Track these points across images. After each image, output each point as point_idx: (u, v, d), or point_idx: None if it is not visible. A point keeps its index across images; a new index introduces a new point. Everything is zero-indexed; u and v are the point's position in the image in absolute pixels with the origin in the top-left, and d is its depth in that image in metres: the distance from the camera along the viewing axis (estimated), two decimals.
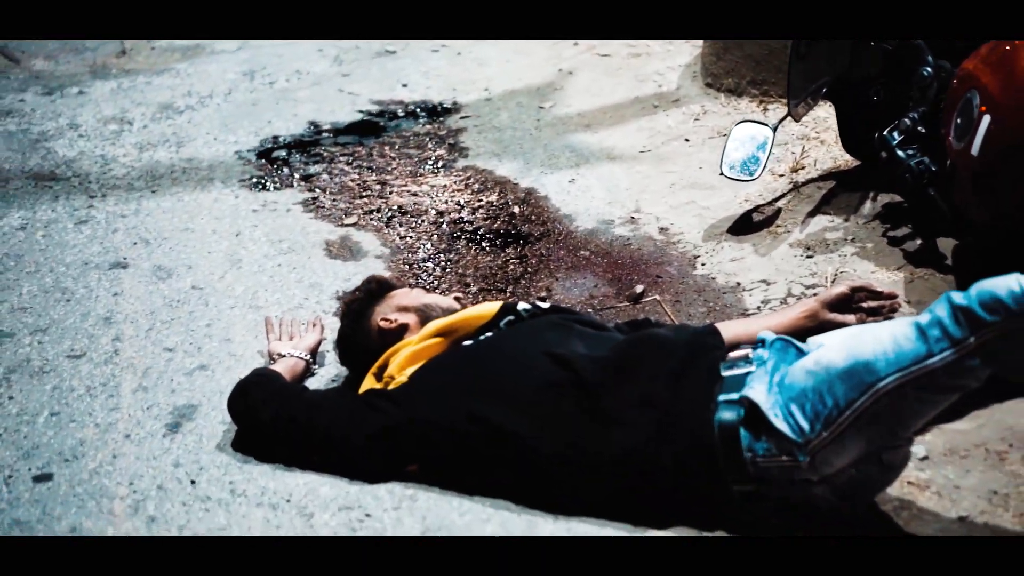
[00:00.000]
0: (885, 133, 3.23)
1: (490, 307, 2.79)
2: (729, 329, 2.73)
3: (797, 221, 3.52)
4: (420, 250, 3.64)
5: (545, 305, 2.84)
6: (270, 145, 4.46)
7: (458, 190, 4.00)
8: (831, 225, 3.44)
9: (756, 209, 3.64)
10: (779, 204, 3.63)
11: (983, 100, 2.84)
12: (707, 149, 3.94)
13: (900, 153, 3.17)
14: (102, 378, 3.03)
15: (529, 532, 2.45)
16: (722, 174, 3.48)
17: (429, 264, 3.55)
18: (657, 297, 3.28)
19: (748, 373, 2.44)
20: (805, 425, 2.25)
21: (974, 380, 2.20)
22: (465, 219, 3.79)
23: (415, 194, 3.99)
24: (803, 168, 3.74)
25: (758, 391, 2.34)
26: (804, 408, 2.26)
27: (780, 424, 2.27)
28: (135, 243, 3.73)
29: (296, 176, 4.18)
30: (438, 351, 2.73)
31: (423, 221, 3.81)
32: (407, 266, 3.57)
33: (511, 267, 3.52)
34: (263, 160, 4.33)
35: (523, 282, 3.45)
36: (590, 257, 3.56)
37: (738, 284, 3.30)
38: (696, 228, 3.62)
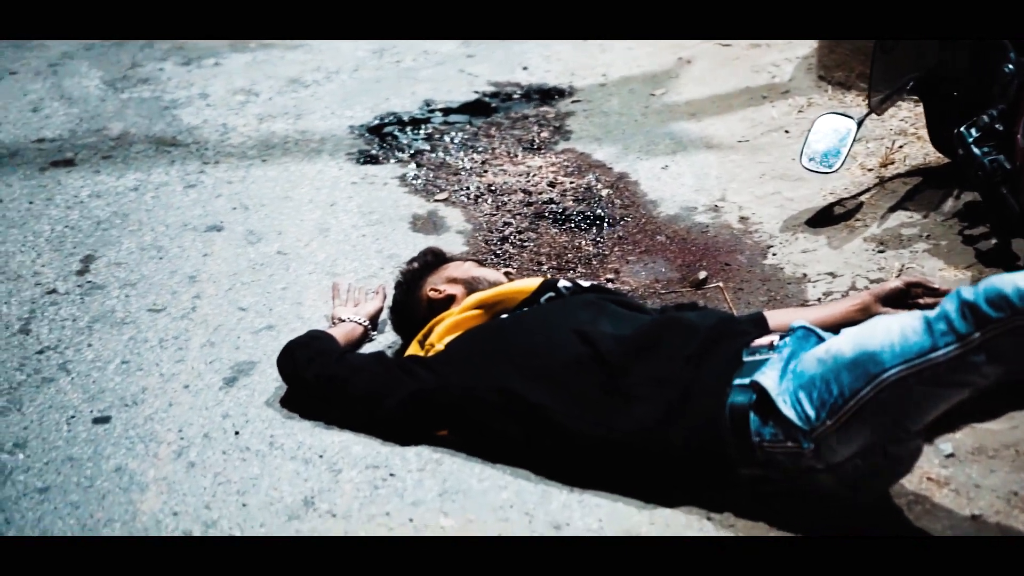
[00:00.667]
0: (962, 129, 3.20)
1: (531, 283, 2.87)
2: (777, 318, 2.77)
3: (877, 216, 3.50)
4: (501, 227, 3.72)
5: (585, 284, 2.90)
6: (382, 121, 4.58)
7: (552, 172, 4.07)
8: (909, 221, 3.42)
9: (839, 202, 3.63)
10: (862, 198, 3.61)
11: None
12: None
13: (975, 150, 3.13)
14: (175, 332, 3.19)
15: (542, 502, 2.52)
16: (802, 165, 3.47)
17: (507, 242, 3.63)
18: (720, 284, 3.30)
19: (767, 360, 2.46)
20: (811, 412, 2.27)
21: (979, 377, 2.20)
22: (552, 200, 3.86)
23: (509, 174, 4.07)
24: (892, 163, 3.71)
25: (769, 377, 2.37)
26: (811, 396, 2.28)
27: (787, 410, 2.30)
28: (234, 208, 3.90)
29: (400, 152, 4.32)
30: (477, 322, 2.82)
31: (511, 200, 3.90)
32: (484, 242, 3.66)
33: (586, 248, 3.58)
34: (373, 135, 4.47)
35: (594, 263, 3.51)
36: (665, 242, 3.60)
37: (804, 275, 3.30)
38: (776, 218, 3.63)
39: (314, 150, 4.34)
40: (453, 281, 3.00)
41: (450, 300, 2.95)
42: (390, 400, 2.69)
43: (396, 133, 4.46)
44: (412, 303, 3.01)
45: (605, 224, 3.72)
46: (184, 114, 4.67)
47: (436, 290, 2.98)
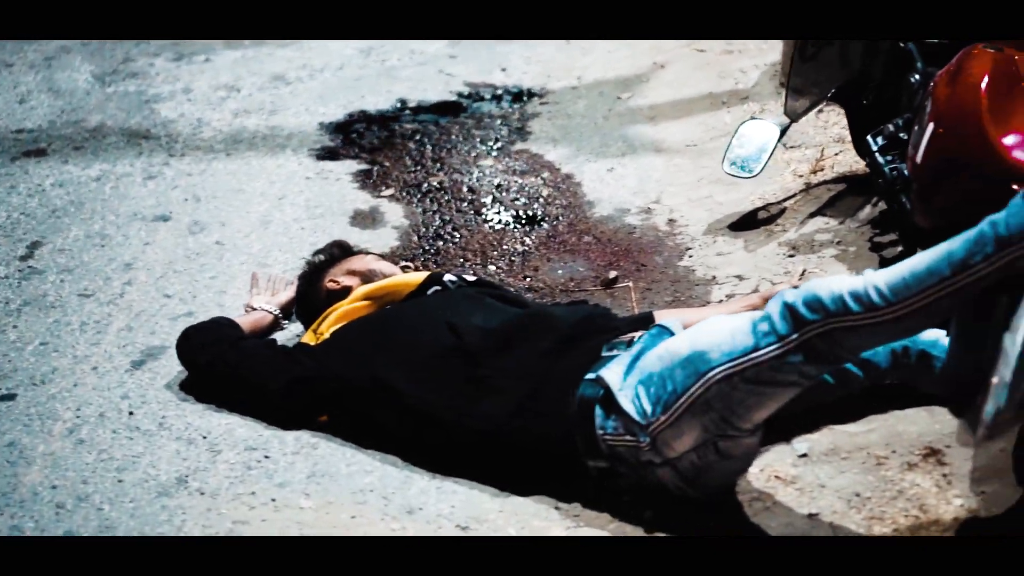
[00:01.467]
0: (869, 137, 3.24)
1: (418, 276, 2.97)
2: (667, 317, 2.83)
3: (796, 221, 3.56)
4: (438, 224, 3.82)
5: (471, 278, 3.00)
6: (351, 118, 4.69)
7: (501, 172, 4.16)
8: (825, 227, 3.47)
9: (764, 207, 3.68)
10: (787, 203, 3.67)
11: (931, 108, 2.85)
12: None
13: (879, 158, 3.18)
14: (99, 316, 3.33)
15: (403, 486, 2.64)
16: (724, 170, 3.53)
17: (439, 239, 3.73)
18: (629, 284, 3.38)
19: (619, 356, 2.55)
20: (648, 408, 2.35)
21: (800, 377, 2.26)
22: (494, 199, 3.95)
23: (459, 172, 4.17)
24: (822, 170, 3.76)
25: (613, 372, 2.45)
26: (649, 391, 2.36)
27: (626, 405, 2.38)
28: (186, 199, 4.04)
29: (359, 149, 4.45)
30: (364, 313, 2.92)
31: (454, 198, 4.00)
32: (417, 238, 3.77)
33: (513, 246, 3.67)
34: (339, 132, 4.59)
35: (516, 261, 3.60)
36: (591, 242, 3.68)
37: (713, 277, 3.37)
38: (703, 222, 3.70)
39: (279, 145, 4.46)
40: (352, 273, 3.11)
41: (347, 291, 3.05)
42: (273, 385, 2.80)
43: (362, 130, 4.57)
44: (313, 293, 3.12)
45: (538, 224, 3.81)
46: (163, 108, 4.81)
47: (335, 281, 3.09)
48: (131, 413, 2.89)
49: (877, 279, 2.17)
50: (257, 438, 2.81)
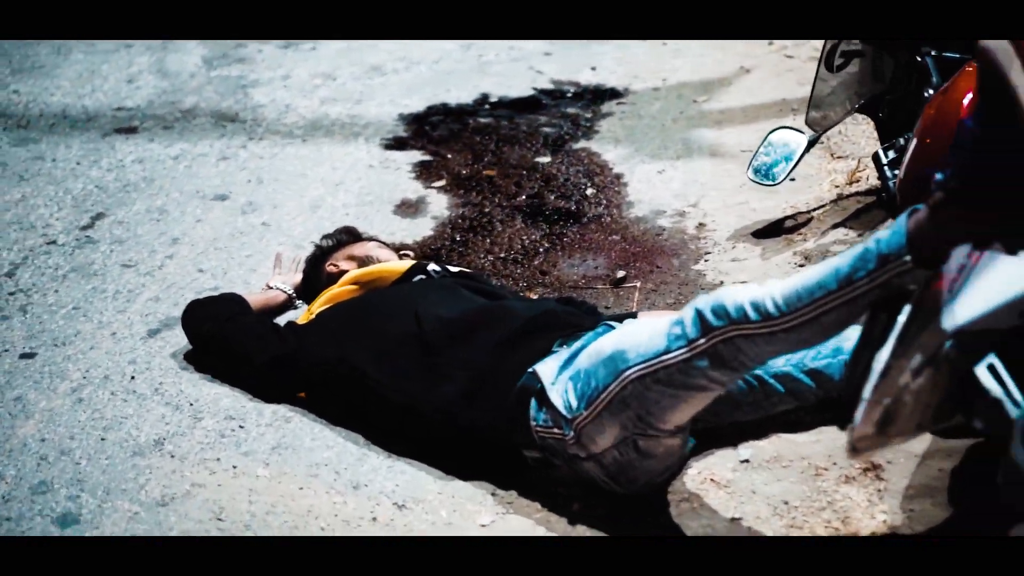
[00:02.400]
0: (880, 150, 3.25)
1: (404, 264, 3.10)
2: (648, 317, 2.92)
3: (819, 232, 3.57)
4: (475, 217, 3.94)
5: (454, 269, 3.11)
6: (430, 110, 4.84)
7: (555, 168, 4.25)
8: (844, 238, 3.47)
9: (793, 216, 3.70)
10: (815, 213, 3.68)
11: (919, 123, 2.87)
12: (807, 155, 3.88)
13: (887, 172, 3.19)
14: (132, 286, 3.55)
15: (356, 463, 2.78)
16: (748, 177, 3.57)
17: (471, 231, 3.86)
18: (637, 284, 3.45)
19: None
20: (574, 403, 2.45)
21: (708, 381, 2.32)
22: (538, 194, 4.06)
23: (514, 167, 4.28)
24: (857, 181, 3.75)
25: (548, 366, 2.55)
26: (576, 387, 2.46)
27: (555, 398, 2.48)
28: (249, 181, 4.25)
29: (428, 140, 4.60)
30: (349, 296, 3.07)
31: (501, 192, 4.11)
32: (451, 229, 3.89)
33: (540, 242, 3.77)
34: (415, 123, 4.73)
35: (538, 256, 3.70)
36: (616, 241, 3.75)
37: (721, 283, 3.41)
38: (731, 227, 3.73)
39: (355, 134, 4.63)
40: (351, 258, 3.26)
41: (343, 275, 3.20)
42: (258, 359, 2.97)
43: (436, 122, 4.71)
44: (316, 276, 3.29)
45: (572, 221, 3.88)
46: (257, 93, 5.03)
47: (335, 265, 3.24)
48: (132, 378, 3.09)
49: (775, 289, 2.21)
50: (239, 408, 2.97)
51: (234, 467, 2.76)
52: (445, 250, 3.71)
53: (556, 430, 2.49)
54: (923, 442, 2.64)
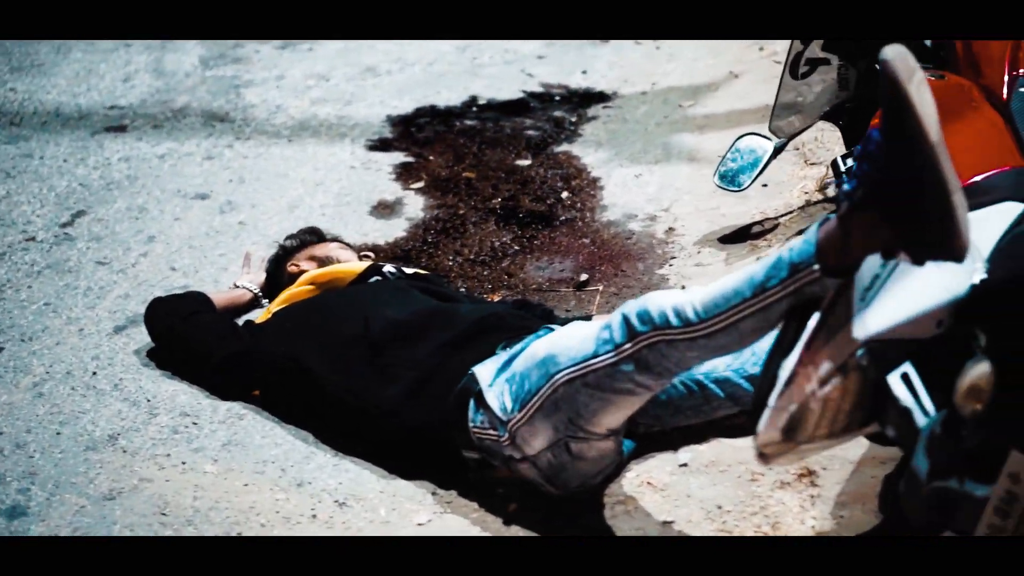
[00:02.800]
0: (839, 158, 3.27)
1: (360, 266, 3.15)
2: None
3: (784, 238, 3.59)
4: (448, 219, 3.99)
5: (409, 271, 3.15)
6: (417, 112, 4.88)
7: (533, 171, 4.28)
8: None
9: (761, 222, 3.72)
10: (782, 220, 3.70)
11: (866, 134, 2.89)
12: (780, 161, 3.92)
13: (844, 180, 3.21)
14: (104, 283, 3.61)
15: (303, 461, 2.83)
16: (714, 182, 3.60)
17: (443, 233, 3.90)
18: (599, 288, 3.48)
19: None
20: (508, 404, 2.49)
21: (634, 385, 2.35)
22: (512, 197, 4.10)
23: (493, 170, 4.31)
24: (827, 188, 3.77)
25: (487, 368, 2.59)
26: (511, 389, 2.50)
27: (491, 400, 2.52)
28: (231, 180, 4.30)
29: (412, 142, 4.65)
30: (306, 296, 3.12)
31: (478, 194, 4.15)
32: (423, 231, 3.94)
33: (509, 244, 3.81)
34: (402, 125, 4.77)
35: (507, 259, 3.74)
36: (585, 245, 3.78)
37: (683, 287, 3.43)
38: (700, 232, 3.76)
39: (341, 134, 4.68)
40: (312, 259, 3.31)
41: (303, 275, 3.24)
42: (214, 357, 3.03)
43: (423, 124, 4.75)
44: (278, 275, 3.34)
45: (544, 224, 3.92)
46: (250, 93, 5.09)
47: (296, 265, 3.29)
48: (94, 373, 3.15)
49: (696, 296, 2.23)
50: (194, 405, 3.02)
51: (183, 463, 2.81)
52: (415, 251, 3.75)
53: (492, 431, 2.53)
54: (859, 448, 2.65)
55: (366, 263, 3.19)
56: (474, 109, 4.95)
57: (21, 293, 3.53)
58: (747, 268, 2.18)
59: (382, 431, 2.74)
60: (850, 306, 2.13)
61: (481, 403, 2.56)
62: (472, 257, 3.72)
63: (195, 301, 3.21)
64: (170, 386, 3.09)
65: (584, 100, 4.98)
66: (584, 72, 5.27)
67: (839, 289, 2.10)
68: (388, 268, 3.15)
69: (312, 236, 3.43)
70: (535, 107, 4.93)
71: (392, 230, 3.90)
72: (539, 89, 5.12)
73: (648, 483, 2.67)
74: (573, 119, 4.77)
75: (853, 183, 2.05)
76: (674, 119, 4.72)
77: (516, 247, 3.77)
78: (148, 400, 3.03)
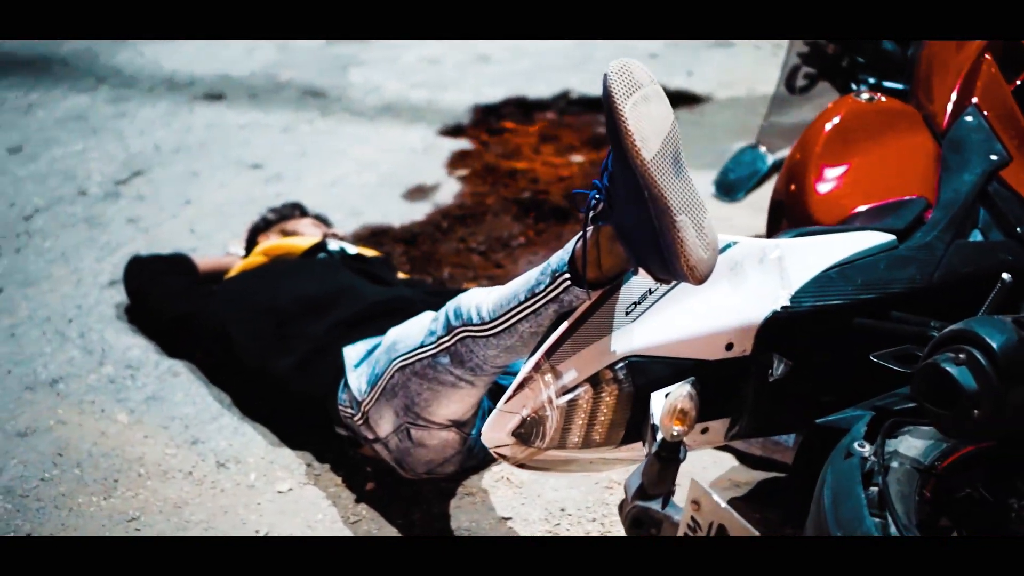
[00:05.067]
0: None
1: (309, 241, 3.26)
2: None
3: None
4: (472, 207, 4.06)
5: (352, 251, 3.25)
6: (506, 101, 4.95)
7: (577, 167, 4.31)
8: None
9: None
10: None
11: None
12: None
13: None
14: (123, 240, 3.85)
15: (211, 420, 2.98)
16: (712, 193, 3.56)
17: (460, 221, 3.98)
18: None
19: None
20: (364, 386, 2.58)
21: (452, 377, 2.40)
22: (543, 191, 4.13)
23: (541, 162, 4.35)
24: None
25: (356, 348, 2.69)
26: (367, 371, 2.59)
27: (352, 380, 2.62)
28: (293, 153, 4.49)
29: (482, 130, 4.73)
30: (255, 266, 3.26)
31: (514, 185, 4.20)
32: (442, 217, 4.02)
33: (517, 236, 3.84)
34: (483, 113, 4.86)
35: (504, 250, 3.78)
36: None
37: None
38: None
39: (420, 118, 4.80)
40: (283, 232, 3.44)
41: None
42: (165, 316, 3.21)
43: (504, 113, 4.81)
44: (253, 244, 3.48)
45: (559, 220, 3.93)
46: (356, 72, 5.27)
47: (266, 236, 3.43)
48: (70, 321, 3.36)
49: (493, 295, 2.26)
50: (141, 359, 3.20)
51: (102, 411, 2.98)
52: (423, 235, 3.82)
53: (350, 410, 2.60)
54: (720, 469, 2.60)
55: (314, 239, 3.27)
56: (561, 103, 4.94)
57: (47, 241, 3.77)
58: (532, 271, 2.18)
59: (273, 399, 2.84)
60: (610, 319, 2.11)
61: (346, 382, 2.62)
62: (473, 245, 3.76)
63: (169, 262, 3.37)
64: (129, 340, 3.25)
65: (672, 101, 4.88)
66: (689, 73, 5.21)
67: (597, 300, 2.07)
68: (332, 246, 3.23)
69: (294, 211, 3.54)
70: None
71: (412, 213, 3.98)
72: None
73: (507, 479, 2.69)
74: None
75: (592, 194, 2.02)
76: (750, 128, 4.60)
77: (522, 240, 3.79)
78: (103, 350, 3.20)
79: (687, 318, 2.10)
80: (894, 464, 1.85)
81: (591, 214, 2.00)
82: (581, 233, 2.03)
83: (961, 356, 1.81)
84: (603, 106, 1.90)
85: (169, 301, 3.17)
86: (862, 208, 2.61)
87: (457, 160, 4.40)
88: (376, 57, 5.43)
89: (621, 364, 2.06)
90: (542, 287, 2.10)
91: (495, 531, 2.52)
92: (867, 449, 1.86)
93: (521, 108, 4.88)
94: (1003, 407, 1.78)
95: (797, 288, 2.17)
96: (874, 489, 1.79)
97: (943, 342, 1.87)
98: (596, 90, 4.71)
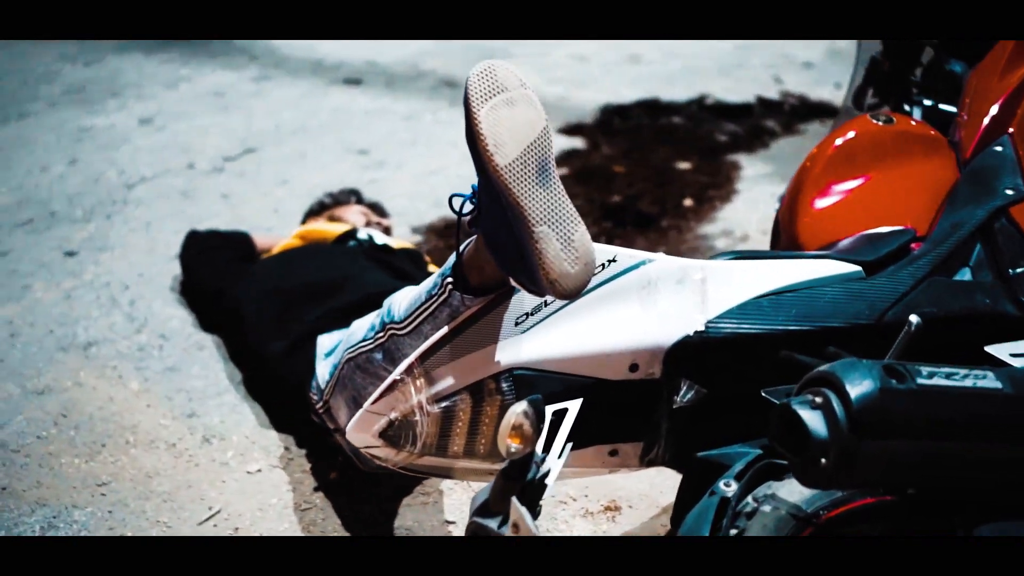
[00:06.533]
0: None
1: (341, 228, 3.31)
2: None
3: None
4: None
5: (380, 241, 3.27)
6: (636, 104, 4.90)
7: (683, 175, 4.21)
8: None
9: None
10: None
11: None
12: None
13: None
14: (208, 214, 3.97)
15: (214, 396, 3.01)
16: None
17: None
18: None
19: None
20: (327, 376, 2.62)
21: (385, 372, 2.40)
22: (636, 195, 4.09)
23: (650, 166, 4.28)
24: None
25: (332, 337, 2.72)
26: (333, 361, 2.63)
27: (319, 369, 2.66)
28: (405, 141, 4.55)
29: (602, 132, 4.69)
30: (289, 248, 3.33)
31: (606, 187, 4.15)
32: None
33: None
34: (609, 114, 4.81)
35: None
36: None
37: None
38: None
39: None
40: (331, 218, 3.48)
41: None
42: (202, 290, 3.31)
43: (628, 115, 4.75)
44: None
45: (640, 227, 3.86)
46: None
47: (315, 219, 3.49)
48: (127, 287, 3.49)
49: (410, 294, 2.25)
50: (175, 331, 3.29)
51: (120, 377, 3.08)
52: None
53: (316, 399, 2.61)
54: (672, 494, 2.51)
55: (345, 227, 3.29)
56: (693, 107, 4.84)
57: (139, 210, 3.92)
58: (437, 272, 2.15)
59: (264, 381, 2.87)
60: (497, 328, 2.06)
61: (314, 372, 2.64)
62: None
63: (224, 238, 3.45)
64: (171, 311, 3.35)
65: (809, 113, 4.76)
66: (837, 85, 5.01)
67: (483, 307, 2.03)
68: (362, 234, 3.24)
69: (349, 197, 3.57)
70: (757, 113, 4.77)
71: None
72: (775, 97, 4.95)
73: (468, 483, 2.64)
74: (777, 131, 4.56)
75: (467, 199, 1.98)
76: None
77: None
78: (145, 319, 3.31)
79: (585, 334, 2.02)
80: (765, 508, 1.73)
81: (468, 219, 1.94)
82: (455, 237, 1.97)
83: (818, 400, 1.69)
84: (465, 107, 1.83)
85: (208, 276, 3.24)
86: (849, 235, 2.46)
87: (562, 159, 4.34)
88: (526, 52, 5.42)
89: (506, 375, 1.99)
90: (436, 290, 2.05)
91: (434, 533, 2.47)
92: (732, 489, 1.75)
93: (650, 110, 4.80)
94: (853, 460, 1.65)
95: (717, 313, 2.06)
96: (734, 532, 1.68)
97: (808, 383, 1.74)
98: (735, 97, 4.62)
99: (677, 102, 4.87)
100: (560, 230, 1.82)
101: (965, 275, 2.30)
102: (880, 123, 2.61)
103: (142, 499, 2.62)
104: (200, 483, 2.68)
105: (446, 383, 1.99)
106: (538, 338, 2.03)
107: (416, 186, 4.05)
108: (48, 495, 2.63)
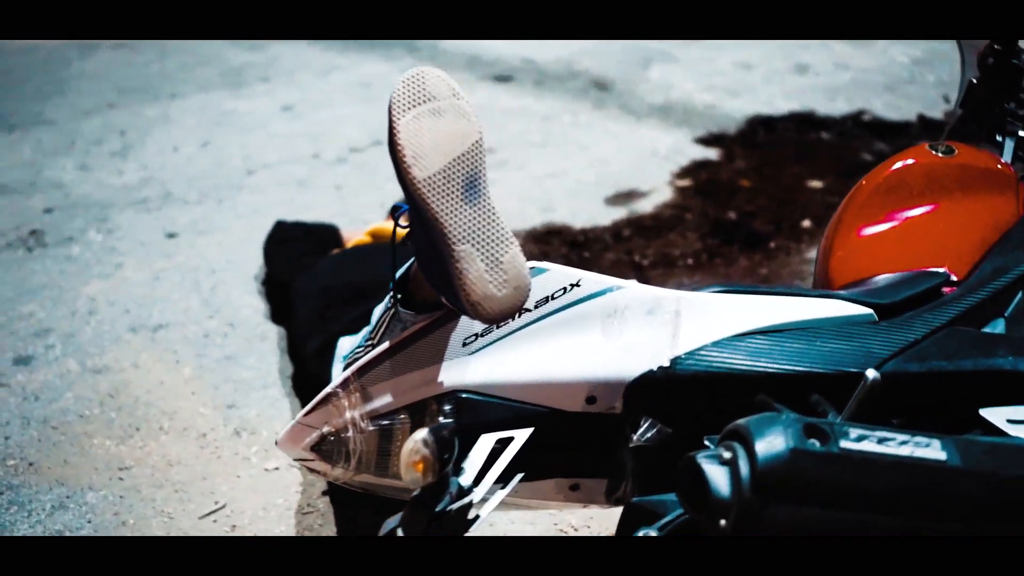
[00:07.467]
0: None
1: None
2: None
3: None
4: (668, 218, 3.89)
5: None
6: (788, 116, 4.70)
7: (810, 195, 4.01)
8: None
9: None
10: None
11: None
12: None
13: None
14: (319, 203, 3.97)
15: (260, 388, 3.01)
16: None
17: (639, 231, 3.83)
18: None
19: None
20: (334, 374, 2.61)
21: None
22: (755, 214, 3.93)
23: (780, 183, 4.10)
24: None
25: (352, 340, 2.70)
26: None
27: (334, 371, 2.65)
28: (536, 143, 4.44)
29: (741, 143, 4.52)
30: (357, 245, 3.32)
31: (727, 202, 3.98)
32: (626, 224, 3.87)
33: (684, 256, 3.65)
34: (752, 125, 4.62)
35: (674, 270, 3.57)
36: (750, 272, 3.56)
37: None
38: None
39: (686, 122, 4.61)
40: None
41: None
42: (272, 281, 3.33)
43: (775, 128, 4.57)
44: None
45: (749, 247, 3.68)
46: (656, 68, 5.16)
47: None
48: (214, 272, 3.53)
49: (380, 305, 2.19)
50: (245, 320, 3.30)
51: (177, 362, 3.11)
52: (594, 242, 3.68)
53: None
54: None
55: None
56: (847, 123, 4.60)
57: (251, 197, 3.97)
58: None
59: (302, 377, 2.85)
60: (442, 347, 1.97)
61: (331, 374, 2.60)
62: (637, 259, 3.58)
63: (308, 229, 3.45)
64: (248, 300, 3.36)
65: (893, 132, 4.48)
66: (947, 101, 4.72)
67: (429, 324, 1.94)
68: None
69: None
70: (914, 132, 4.51)
71: (601, 217, 3.83)
72: (938, 116, 4.65)
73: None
74: (870, 148, 4.31)
75: (404, 211, 1.89)
76: None
77: (691, 261, 3.57)
78: (219, 306, 3.33)
79: (538, 361, 1.90)
80: None
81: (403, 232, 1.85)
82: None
83: (727, 455, 1.54)
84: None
85: (281, 267, 3.23)
86: (884, 273, 2.26)
87: (690, 170, 4.19)
88: (689, 56, 5.26)
89: (448, 398, 1.90)
90: (388, 303, 1.97)
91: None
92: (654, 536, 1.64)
93: (799, 124, 4.57)
94: (755, 523, 1.50)
95: (688, 349, 1.91)
96: None
97: (725, 435, 1.60)
98: (896, 114, 4.36)
99: (832, 116, 4.62)
100: (486, 250, 1.70)
101: (998, 327, 2.07)
102: (939, 154, 2.38)
103: (156, 487, 2.61)
104: (215, 476, 2.66)
105: (383, 400, 1.89)
106: (486, 361, 1.91)
107: (530, 189, 3.95)
108: (69, 475, 2.65)
